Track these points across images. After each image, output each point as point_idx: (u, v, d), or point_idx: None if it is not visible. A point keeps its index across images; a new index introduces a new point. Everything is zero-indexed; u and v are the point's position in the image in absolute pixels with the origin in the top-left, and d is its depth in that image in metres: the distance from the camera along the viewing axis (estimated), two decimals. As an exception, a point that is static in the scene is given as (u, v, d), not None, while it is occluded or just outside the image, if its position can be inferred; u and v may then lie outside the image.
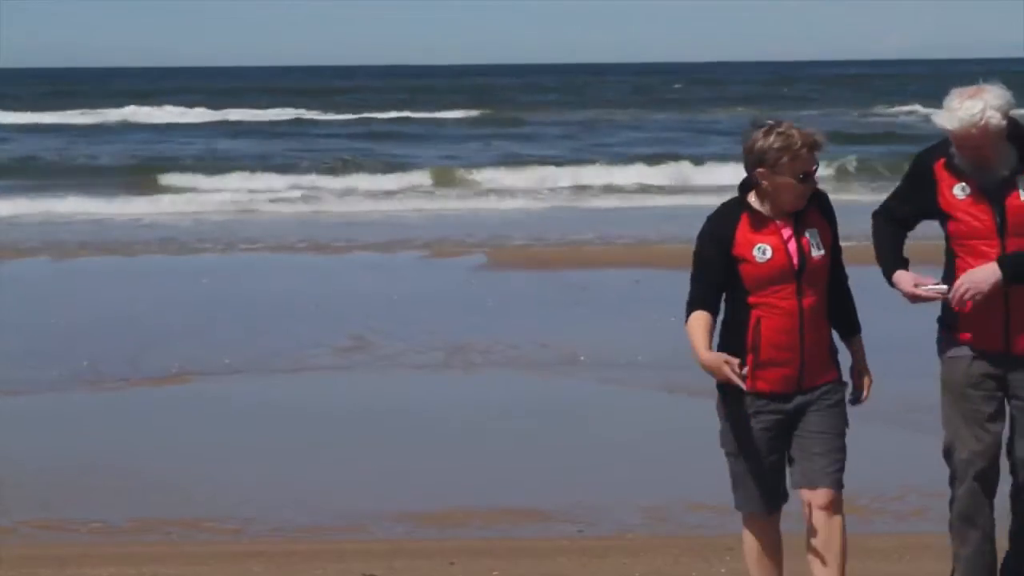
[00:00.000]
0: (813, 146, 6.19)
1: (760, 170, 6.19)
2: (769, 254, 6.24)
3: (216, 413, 11.88)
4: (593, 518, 9.12)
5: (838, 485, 6.40)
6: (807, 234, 6.29)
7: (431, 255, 21.37)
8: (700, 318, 6.29)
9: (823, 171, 6.81)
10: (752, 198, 6.32)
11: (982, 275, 6.33)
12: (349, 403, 12.23)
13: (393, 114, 64.45)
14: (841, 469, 6.40)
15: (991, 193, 6.42)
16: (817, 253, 6.28)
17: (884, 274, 6.65)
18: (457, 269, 19.89)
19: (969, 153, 6.36)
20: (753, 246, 6.25)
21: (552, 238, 23.43)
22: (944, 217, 6.53)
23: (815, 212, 6.34)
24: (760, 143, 6.17)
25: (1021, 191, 6.41)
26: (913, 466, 9.33)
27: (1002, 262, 6.34)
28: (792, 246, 6.25)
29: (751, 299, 6.27)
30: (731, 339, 6.36)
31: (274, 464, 10.38)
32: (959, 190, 6.48)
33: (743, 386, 6.13)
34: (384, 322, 15.36)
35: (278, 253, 22.53)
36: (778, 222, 6.28)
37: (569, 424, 11.39)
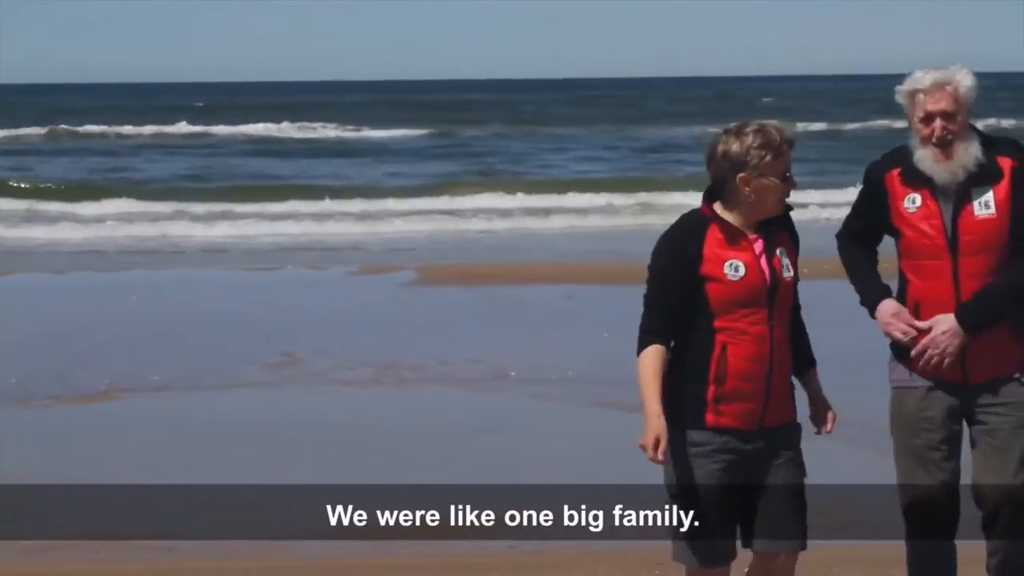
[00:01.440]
0: (791, 143, 5.79)
1: (742, 175, 5.69)
2: (742, 271, 5.70)
3: (146, 430, 11.82)
4: (524, 534, 9.13)
5: (800, 546, 5.90)
6: (777, 252, 5.80)
7: (360, 271, 21.34)
8: (655, 357, 5.87)
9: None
10: (719, 208, 5.80)
11: (946, 339, 6.10)
12: (278, 419, 12.19)
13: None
14: (804, 529, 5.90)
15: (944, 204, 6.18)
16: (787, 274, 5.80)
17: (864, 301, 6.41)
18: (387, 285, 19.88)
19: (936, 130, 6.14)
20: (724, 262, 5.70)
21: (483, 255, 23.48)
22: (896, 233, 6.30)
23: (782, 231, 5.86)
24: (736, 146, 5.69)
25: (975, 204, 6.17)
26: (843, 480, 9.40)
27: (962, 317, 6.10)
28: (764, 263, 5.75)
29: (716, 323, 5.72)
30: (687, 368, 5.86)
31: (203, 480, 10.32)
32: (909, 202, 6.25)
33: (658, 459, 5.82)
34: (314, 338, 15.33)
35: (207, 270, 22.47)
36: (750, 236, 5.77)
37: (499, 440, 11.40)
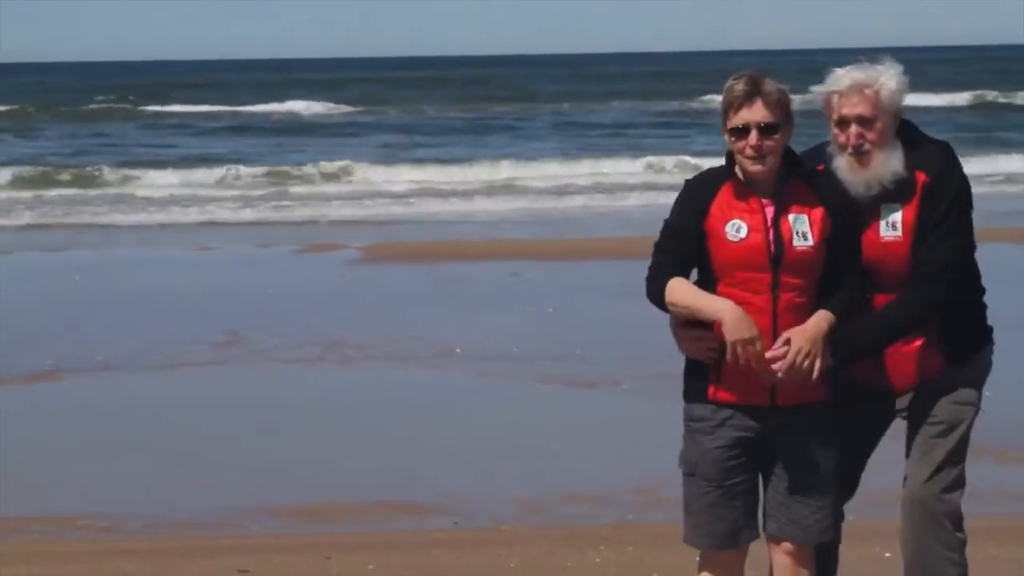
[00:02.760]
0: (747, 93, 5.33)
1: (721, 127, 5.45)
2: (744, 233, 5.34)
3: (90, 410, 11.78)
4: (468, 510, 9.16)
5: (815, 537, 5.53)
6: (790, 218, 5.36)
7: (305, 250, 21.30)
8: (679, 281, 5.38)
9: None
10: (738, 168, 5.44)
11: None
12: (223, 398, 12.17)
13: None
14: (824, 519, 5.52)
15: (857, 220, 5.64)
16: (801, 243, 5.34)
17: None
18: (332, 264, 19.85)
19: (851, 137, 5.61)
20: (727, 221, 5.35)
21: (428, 232, 23.48)
22: None
23: (804, 191, 5.43)
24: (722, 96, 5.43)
25: (883, 223, 5.66)
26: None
27: (836, 348, 5.48)
28: (771, 228, 5.35)
29: (719, 288, 5.36)
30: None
31: (148, 460, 10.31)
32: None
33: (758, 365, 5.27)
34: (258, 317, 15.30)
35: (150, 249, 22.39)
36: (763, 200, 5.37)
37: (444, 416, 11.42)
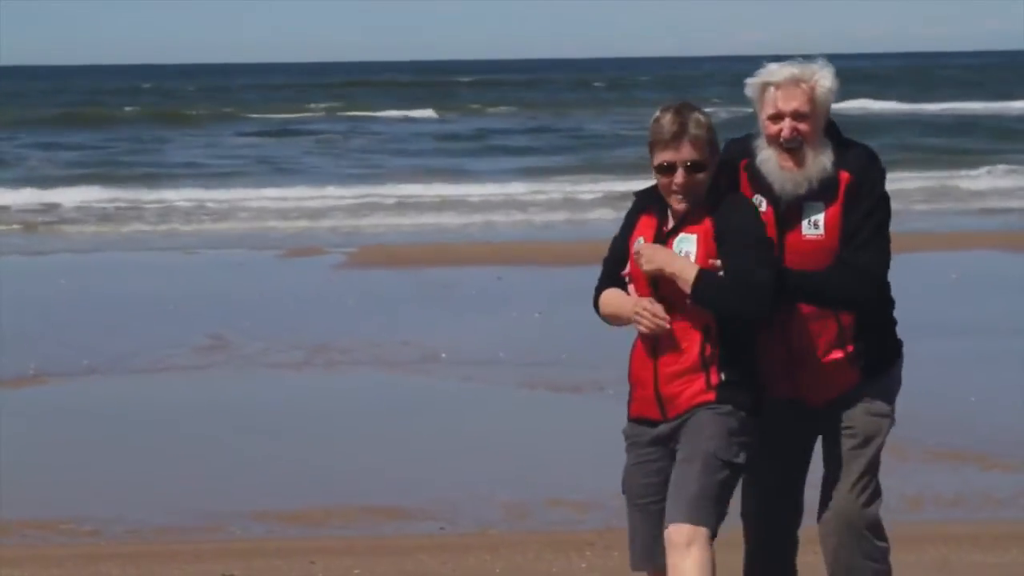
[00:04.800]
0: (674, 135, 5.37)
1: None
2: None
3: (73, 414, 11.75)
4: (454, 515, 9.15)
5: (692, 519, 5.36)
6: (675, 241, 5.44)
7: (289, 255, 21.28)
8: (609, 290, 5.63)
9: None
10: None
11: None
12: (208, 402, 12.16)
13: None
14: (696, 499, 5.38)
15: (780, 219, 5.60)
16: None
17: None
18: (317, 268, 19.84)
19: (784, 130, 5.55)
20: (636, 238, 5.56)
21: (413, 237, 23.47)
22: None
23: (704, 214, 5.44)
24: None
25: (805, 222, 5.59)
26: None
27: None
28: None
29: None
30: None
31: (132, 464, 10.30)
32: (756, 203, 5.63)
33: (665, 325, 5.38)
34: (244, 321, 15.28)
35: (136, 253, 22.37)
36: (663, 221, 5.52)
37: (430, 421, 11.41)
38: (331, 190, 31.46)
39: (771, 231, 5.54)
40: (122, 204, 29.44)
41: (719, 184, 5.48)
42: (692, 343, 5.43)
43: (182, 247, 22.55)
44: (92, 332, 14.90)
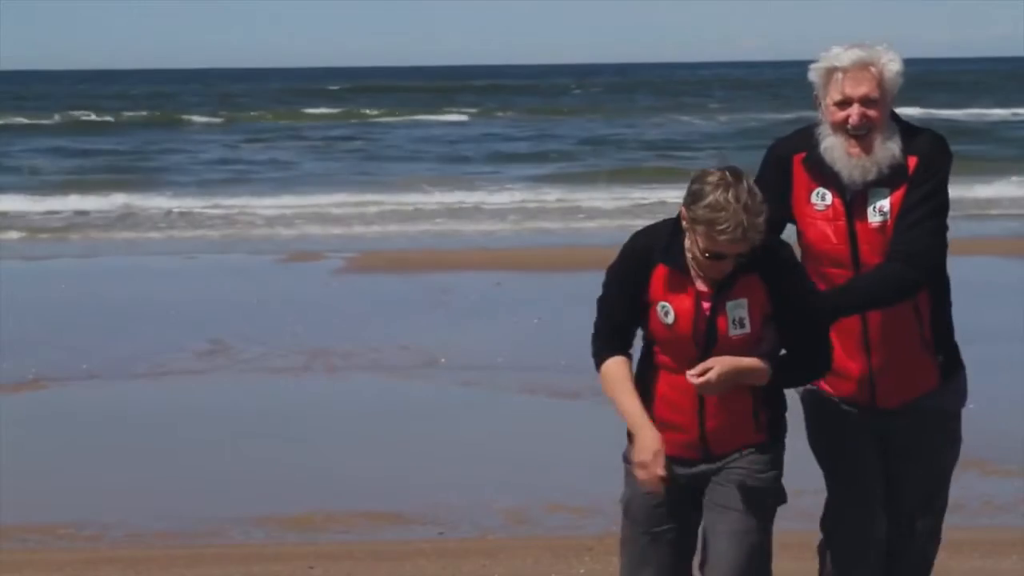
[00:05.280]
0: (728, 247, 4.97)
1: (683, 209, 5.09)
2: (671, 319, 5.12)
3: (73, 419, 11.76)
4: (453, 520, 9.15)
5: (738, 572, 5.18)
6: (728, 307, 5.08)
7: (289, 259, 21.29)
8: (618, 365, 5.22)
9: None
10: (688, 233, 5.11)
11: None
12: (208, 407, 12.16)
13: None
14: (747, 555, 5.19)
15: (849, 207, 5.40)
16: (737, 332, 5.09)
17: None
18: (317, 273, 19.83)
19: (853, 116, 5.33)
20: (659, 301, 5.14)
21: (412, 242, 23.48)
22: (797, 227, 5.55)
23: (751, 276, 5.09)
24: (697, 186, 5.00)
25: (871, 208, 5.38)
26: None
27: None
28: (703, 315, 5.10)
29: (655, 351, 5.26)
30: (637, 374, 5.31)
31: (132, 469, 10.30)
32: (817, 197, 5.45)
33: (655, 488, 5.14)
34: (243, 326, 15.29)
35: (136, 258, 22.36)
36: (699, 281, 5.11)
37: (429, 426, 11.41)
38: (331, 195, 31.48)
39: (840, 222, 5.38)
40: (123, 209, 29.41)
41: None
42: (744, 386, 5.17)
43: (182, 252, 22.54)
44: (92, 337, 14.91)
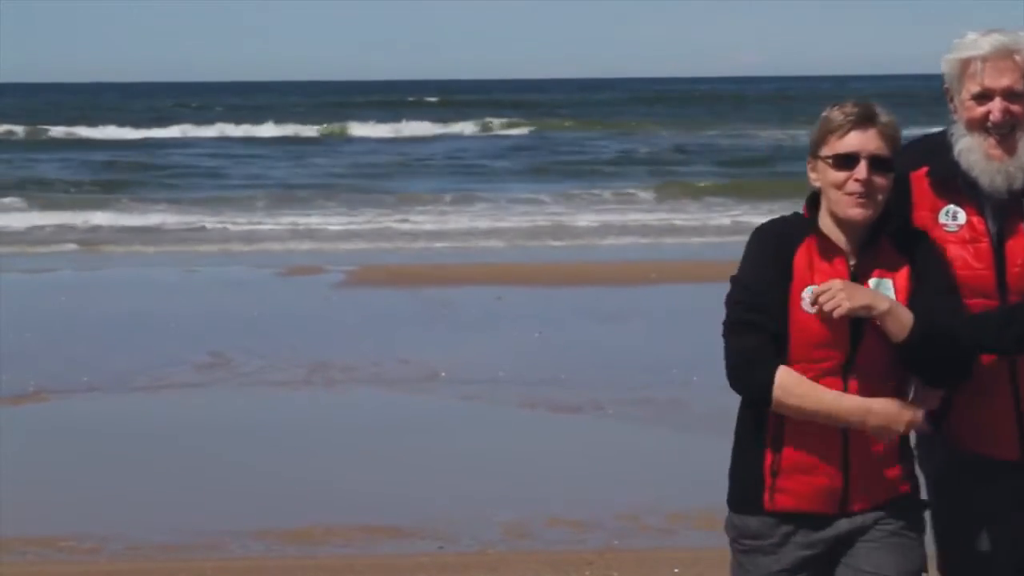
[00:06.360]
0: (866, 118, 4.33)
1: (808, 161, 4.47)
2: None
3: (74, 431, 11.76)
4: (453, 534, 9.16)
5: None
6: (870, 284, 4.36)
7: (289, 273, 21.30)
8: (789, 373, 4.31)
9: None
10: (823, 215, 4.43)
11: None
12: (208, 420, 12.17)
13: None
14: None
15: (991, 220, 4.52)
16: None
17: None
18: (317, 287, 19.85)
19: (995, 112, 4.48)
20: (806, 286, 4.34)
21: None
22: None
23: (889, 249, 4.40)
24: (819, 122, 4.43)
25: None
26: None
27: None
28: None
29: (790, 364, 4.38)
30: (747, 426, 4.47)
31: (132, 482, 10.30)
32: (947, 216, 4.55)
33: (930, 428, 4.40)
34: (244, 339, 15.30)
35: (136, 270, 22.38)
36: (847, 255, 4.39)
37: (429, 440, 11.42)
38: (332, 209, 31.55)
39: (981, 243, 4.52)
40: (122, 223, 29.45)
41: (890, 209, 4.44)
42: None
43: (182, 265, 22.56)
44: (92, 350, 14.92)
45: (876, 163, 4.30)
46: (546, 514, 9.44)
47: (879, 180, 4.30)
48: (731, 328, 4.38)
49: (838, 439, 4.32)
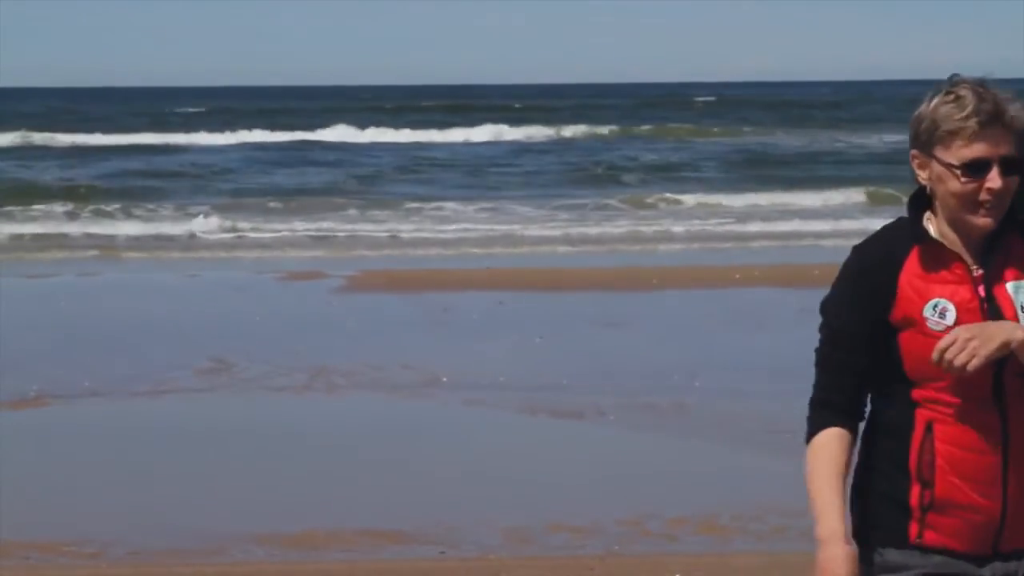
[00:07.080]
0: (995, 117, 3.68)
1: (913, 151, 3.80)
2: (951, 317, 3.70)
3: (75, 436, 11.77)
4: (454, 539, 9.16)
5: None
6: (1008, 287, 3.76)
7: (290, 278, 21.30)
8: (833, 444, 3.79)
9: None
10: (928, 220, 3.83)
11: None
12: (210, 425, 12.17)
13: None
14: None
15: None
16: None
17: None
18: (318, 292, 19.85)
19: (986, 195, 3.72)
20: (926, 302, 3.73)
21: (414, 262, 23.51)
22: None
23: (1020, 243, 3.80)
24: (923, 106, 3.76)
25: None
26: (772, 486, 9.47)
27: None
28: (986, 304, 3.74)
29: (916, 393, 3.77)
30: (882, 454, 3.85)
31: (134, 487, 10.30)
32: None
33: None
34: (245, 344, 15.30)
35: (137, 275, 22.40)
36: (968, 261, 3.77)
37: (431, 445, 11.42)
38: (334, 214, 31.57)
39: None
40: (123, 230, 29.47)
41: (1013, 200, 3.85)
42: None
43: (183, 270, 22.57)
44: (94, 354, 14.92)
45: (1007, 165, 3.72)
46: (547, 519, 9.44)
47: (1010, 183, 3.74)
48: (816, 355, 3.93)
49: (998, 470, 3.75)
